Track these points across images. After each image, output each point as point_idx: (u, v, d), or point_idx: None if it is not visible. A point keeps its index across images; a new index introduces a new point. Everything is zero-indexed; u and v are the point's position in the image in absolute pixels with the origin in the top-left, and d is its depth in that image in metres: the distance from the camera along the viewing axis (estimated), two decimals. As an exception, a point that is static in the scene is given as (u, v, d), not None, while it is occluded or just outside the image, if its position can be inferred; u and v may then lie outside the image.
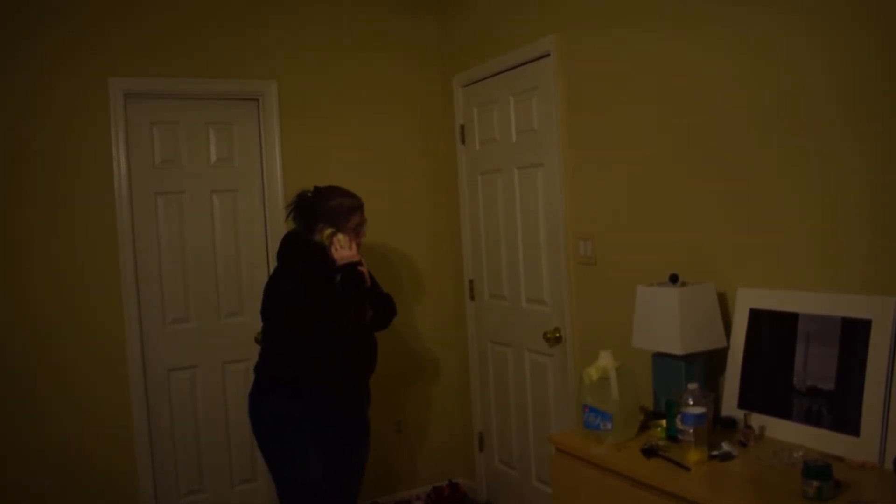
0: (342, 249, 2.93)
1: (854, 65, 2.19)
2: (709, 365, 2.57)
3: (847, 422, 2.15)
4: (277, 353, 3.01)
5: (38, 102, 3.58)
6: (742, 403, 2.46)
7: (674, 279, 2.56)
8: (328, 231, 2.96)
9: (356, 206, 3.05)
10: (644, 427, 2.51)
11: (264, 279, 3.72)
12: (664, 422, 2.42)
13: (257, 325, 3.05)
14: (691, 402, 2.21)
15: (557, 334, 3.55)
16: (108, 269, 3.71)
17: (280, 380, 2.99)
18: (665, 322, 2.50)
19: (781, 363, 2.36)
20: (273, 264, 3.93)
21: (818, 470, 1.85)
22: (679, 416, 2.23)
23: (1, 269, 3.52)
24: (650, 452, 2.28)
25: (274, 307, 3.00)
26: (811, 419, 2.25)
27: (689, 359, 2.49)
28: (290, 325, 2.96)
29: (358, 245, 3.02)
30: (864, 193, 2.19)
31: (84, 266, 3.66)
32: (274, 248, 3.99)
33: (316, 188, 3.08)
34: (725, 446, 2.22)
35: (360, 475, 3.28)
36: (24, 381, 3.55)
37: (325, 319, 2.91)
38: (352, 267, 2.90)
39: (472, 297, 4.30)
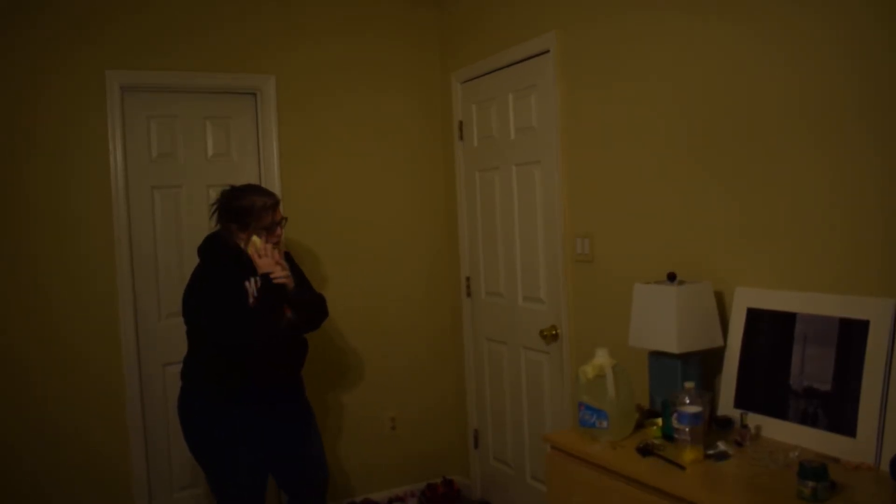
0: (263, 257, 2.86)
1: (863, 65, 2.18)
2: (705, 364, 2.57)
3: (844, 423, 2.14)
4: (196, 352, 3.01)
5: (34, 95, 3.56)
6: (738, 403, 2.46)
7: (671, 278, 2.55)
8: (253, 238, 2.89)
9: (267, 204, 2.94)
10: (640, 426, 2.50)
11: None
12: (660, 420, 2.42)
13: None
14: (687, 401, 2.20)
15: (554, 332, 3.54)
16: (103, 263, 3.69)
17: (201, 382, 2.98)
18: (662, 321, 2.49)
19: (778, 363, 2.35)
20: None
21: (814, 471, 1.84)
22: (675, 415, 2.22)
23: (-5, 261, 3.52)
24: (646, 451, 2.27)
25: (189, 309, 2.95)
26: (808, 420, 2.24)
27: (685, 358, 2.48)
28: (205, 327, 2.91)
29: (276, 244, 2.95)
30: (865, 194, 2.19)
31: (80, 259, 3.65)
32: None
33: (230, 187, 3.03)
34: (721, 446, 2.22)
35: (313, 468, 3.18)
36: (18, 374, 3.54)
37: (237, 324, 2.83)
38: (267, 278, 2.84)
39: (469, 295, 4.29)
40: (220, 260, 2.94)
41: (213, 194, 3.93)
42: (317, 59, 4.14)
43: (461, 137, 4.24)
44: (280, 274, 2.86)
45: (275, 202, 2.98)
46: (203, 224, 3.93)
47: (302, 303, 2.98)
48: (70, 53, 3.62)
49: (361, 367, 4.28)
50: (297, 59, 4.09)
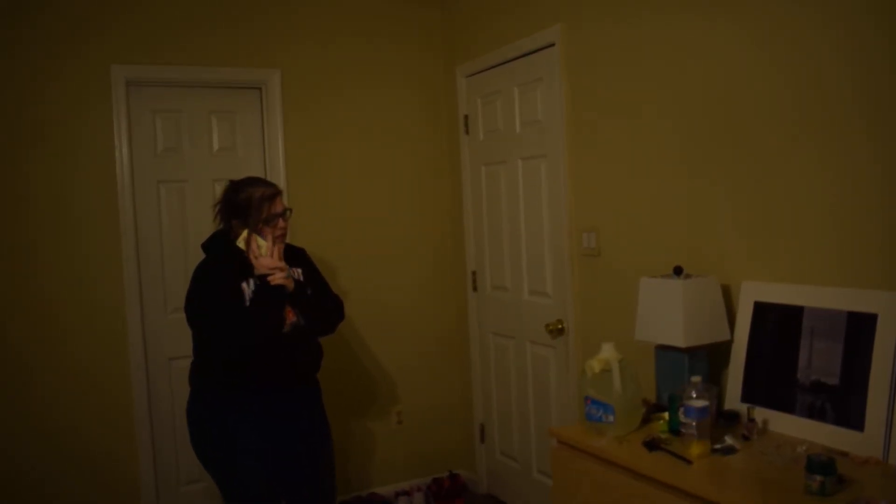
0: (261, 257, 2.68)
1: (865, 58, 2.16)
2: (712, 358, 2.56)
3: (851, 417, 2.13)
4: (199, 355, 2.88)
5: (39, 91, 3.56)
6: (745, 397, 2.45)
7: (678, 271, 2.54)
8: (243, 234, 2.71)
9: (266, 196, 2.77)
10: (646, 420, 2.49)
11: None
12: (666, 415, 2.41)
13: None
14: (694, 396, 2.19)
15: (559, 326, 3.54)
16: (109, 258, 3.70)
17: (204, 386, 2.85)
18: (668, 314, 2.48)
19: (785, 357, 2.34)
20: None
21: (822, 465, 1.83)
22: (681, 410, 2.21)
23: (3, 257, 3.52)
24: (652, 445, 2.27)
25: (188, 307, 2.82)
26: (815, 414, 2.23)
27: (692, 352, 2.47)
28: (207, 327, 2.78)
29: (278, 239, 2.77)
30: (872, 187, 2.17)
31: (86, 254, 3.66)
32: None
33: (230, 181, 2.89)
34: (728, 440, 2.21)
35: (319, 475, 3.01)
36: (26, 368, 3.55)
37: (229, 324, 2.69)
38: (263, 279, 2.67)
39: (475, 289, 4.28)
40: (219, 258, 2.81)
41: (219, 189, 3.93)
42: (322, 54, 4.14)
43: (466, 131, 4.23)
44: (278, 276, 2.68)
45: (273, 193, 2.80)
46: (209, 218, 3.93)
47: (306, 305, 2.80)
48: (75, 48, 3.62)
49: (368, 362, 4.28)
50: (302, 54, 4.09)
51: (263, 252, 2.69)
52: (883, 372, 2.07)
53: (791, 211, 2.41)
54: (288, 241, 2.93)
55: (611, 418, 2.40)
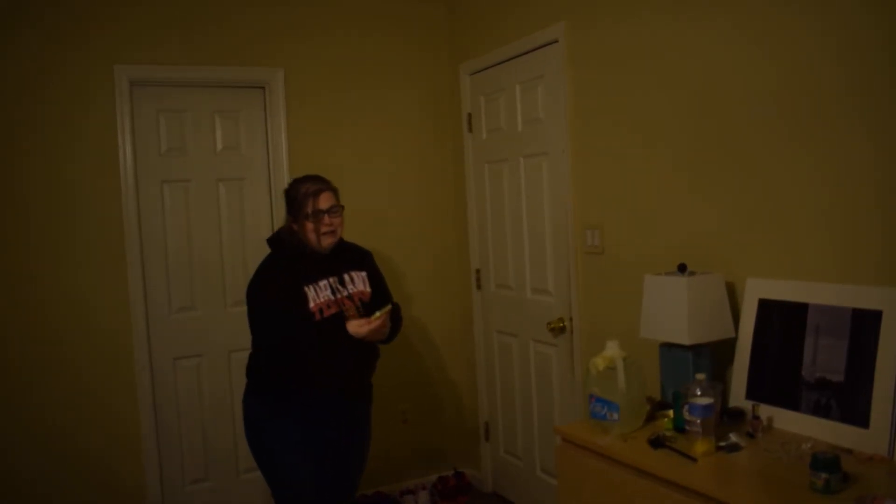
0: (354, 326, 2.72)
1: (863, 54, 2.15)
2: (716, 355, 2.55)
3: (856, 414, 2.13)
4: (254, 351, 2.92)
5: (43, 91, 3.57)
6: (750, 394, 2.45)
7: (682, 269, 2.54)
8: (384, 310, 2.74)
9: (310, 191, 2.78)
10: (651, 418, 2.49)
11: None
12: (671, 412, 2.40)
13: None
14: (699, 393, 2.19)
15: (561, 324, 3.53)
16: (113, 257, 3.71)
17: (258, 380, 2.88)
18: (673, 312, 2.48)
19: (790, 354, 2.34)
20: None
21: (826, 462, 1.83)
22: (686, 407, 2.21)
23: (6, 255, 3.52)
24: (657, 443, 2.26)
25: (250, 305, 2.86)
26: (820, 411, 2.22)
27: (696, 349, 2.47)
28: (250, 322, 2.84)
29: (325, 236, 2.79)
30: (875, 184, 2.17)
31: (90, 253, 3.66)
32: (280, 236, 3.99)
33: (293, 179, 2.95)
34: (733, 437, 2.21)
35: (352, 474, 3.04)
36: (28, 368, 3.56)
37: (273, 323, 2.75)
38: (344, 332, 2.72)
39: (479, 287, 4.28)
40: (278, 255, 2.85)
41: (223, 188, 3.97)
42: (325, 52, 4.14)
43: (470, 130, 4.23)
44: (361, 334, 2.72)
45: (318, 189, 2.79)
46: (212, 218, 3.95)
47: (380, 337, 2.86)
48: (78, 48, 3.62)
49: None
50: (305, 53, 4.09)
51: (357, 323, 2.73)
52: (887, 369, 2.07)
53: (796, 208, 2.40)
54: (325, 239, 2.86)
55: (615, 416, 2.40)
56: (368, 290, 2.94)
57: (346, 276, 2.90)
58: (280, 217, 3.97)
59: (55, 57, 3.58)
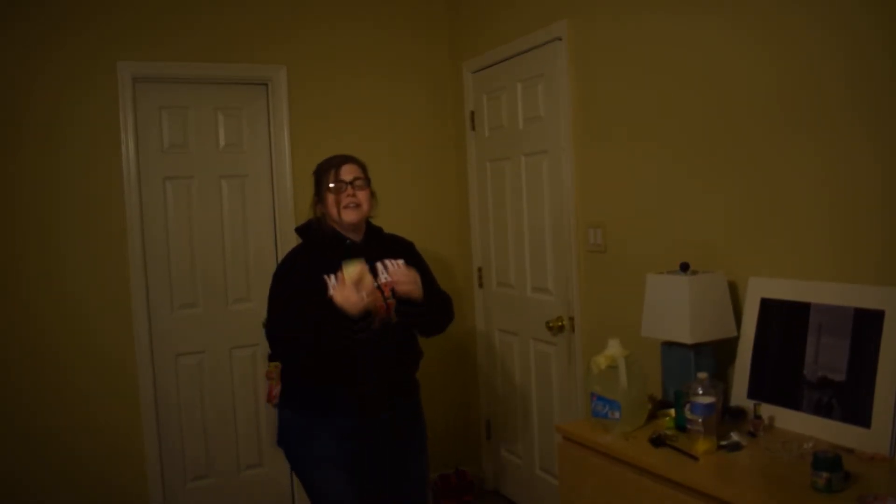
0: (340, 289, 2.35)
1: (864, 54, 2.15)
2: (718, 354, 2.55)
3: (858, 413, 2.12)
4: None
5: (45, 87, 3.57)
6: (752, 394, 2.44)
7: (684, 268, 2.54)
8: (349, 268, 2.37)
9: (332, 163, 2.56)
10: (652, 416, 2.49)
11: (272, 265, 3.73)
12: (673, 411, 2.40)
13: (264, 311, 2.78)
14: (700, 392, 2.19)
15: (560, 323, 3.53)
16: (116, 254, 3.71)
17: (291, 388, 2.65)
18: (675, 311, 2.47)
19: (792, 353, 2.33)
20: (281, 251, 3.93)
21: (828, 461, 1.83)
22: (688, 406, 2.21)
23: (7, 253, 3.53)
24: (658, 442, 2.26)
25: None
26: (821, 410, 2.22)
27: (698, 348, 2.47)
28: (269, 318, 2.61)
29: (347, 209, 2.52)
30: (878, 183, 2.16)
31: (92, 250, 3.67)
32: (282, 233, 3.99)
33: None
34: (734, 436, 2.20)
35: (411, 491, 2.81)
36: (31, 365, 3.57)
37: (283, 313, 2.50)
38: (336, 310, 2.33)
39: (481, 285, 4.28)
40: (302, 244, 2.66)
41: (225, 185, 3.97)
42: (328, 50, 4.14)
43: (472, 127, 4.23)
44: (355, 303, 2.33)
45: (340, 160, 2.57)
46: (215, 214, 3.95)
47: (416, 316, 2.56)
48: (81, 45, 3.63)
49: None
50: (308, 50, 4.09)
51: (350, 281, 2.34)
52: (890, 368, 2.06)
53: (798, 207, 2.40)
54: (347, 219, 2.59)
55: (617, 415, 2.40)
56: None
57: (380, 265, 2.63)
58: (280, 216, 4.00)
59: (58, 54, 3.58)
